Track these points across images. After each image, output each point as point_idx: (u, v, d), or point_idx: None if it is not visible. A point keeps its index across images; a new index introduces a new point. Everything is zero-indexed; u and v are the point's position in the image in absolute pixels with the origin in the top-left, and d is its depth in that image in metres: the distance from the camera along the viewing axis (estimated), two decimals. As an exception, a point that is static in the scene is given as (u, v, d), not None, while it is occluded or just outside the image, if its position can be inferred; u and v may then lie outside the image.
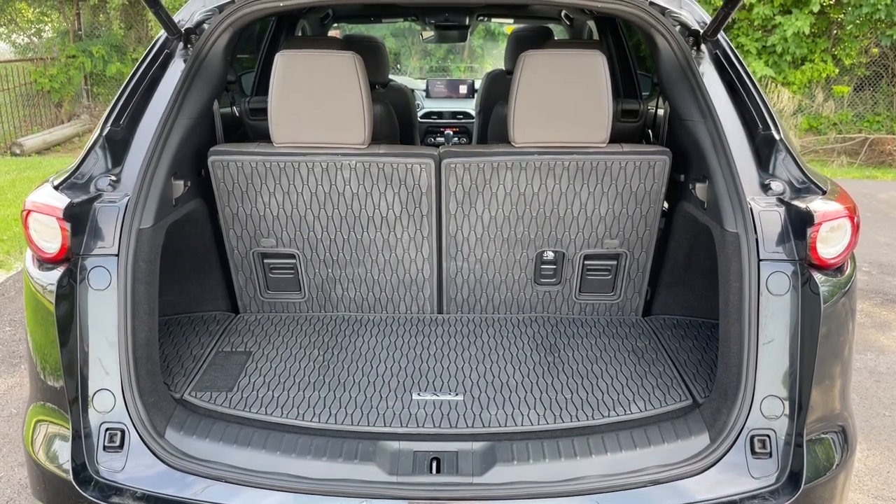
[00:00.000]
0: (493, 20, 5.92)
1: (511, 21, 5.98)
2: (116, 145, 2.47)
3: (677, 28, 2.72)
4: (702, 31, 2.73)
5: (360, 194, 2.74)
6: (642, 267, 2.92)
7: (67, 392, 2.19)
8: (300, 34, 4.96)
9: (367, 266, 2.92)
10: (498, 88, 4.71)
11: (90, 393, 2.21)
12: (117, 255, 2.23)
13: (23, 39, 16.25)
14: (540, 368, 2.57)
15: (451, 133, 6.18)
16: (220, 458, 2.17)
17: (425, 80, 6.55)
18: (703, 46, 2.75)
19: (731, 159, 2.33)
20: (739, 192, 2.26)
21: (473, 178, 2.71)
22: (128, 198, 2.29)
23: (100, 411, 2.20)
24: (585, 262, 2.93)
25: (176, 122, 2.56)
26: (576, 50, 2.65)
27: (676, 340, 2.81)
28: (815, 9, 10.80)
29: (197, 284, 3.02)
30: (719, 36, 2.64)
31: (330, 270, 2.93)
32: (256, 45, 4.74)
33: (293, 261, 2.91)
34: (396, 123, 3.98)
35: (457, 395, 2.41)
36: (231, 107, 3.90)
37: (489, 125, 4.04)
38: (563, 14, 5.25)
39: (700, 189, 2.54)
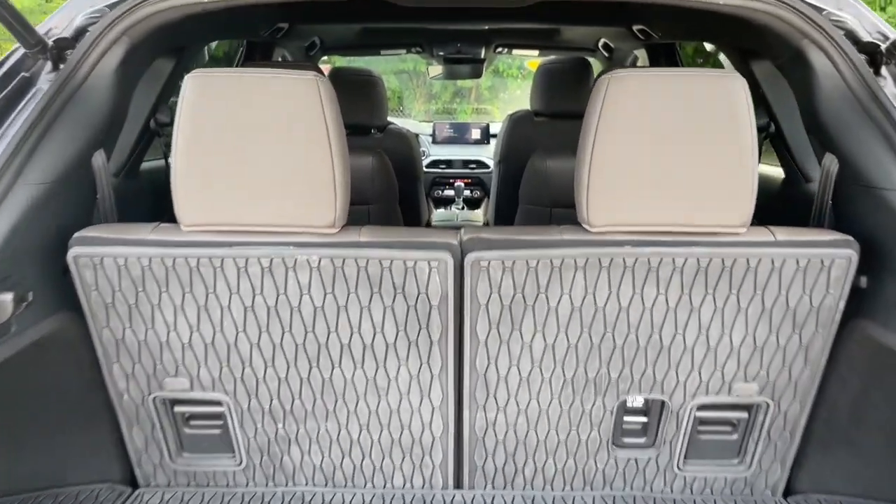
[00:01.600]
0: (516, 52, 4.89)
1: (535, 53, 4.95)
2: None
3: (843, 38, 1.66)
4: (884, 46, 1.66)
5: (326, 309, 1.63)
6: (792, 423, 1.79)
7: None
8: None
9: (339, 420, 1.80)
10: (525, 133, 3.64)
11: None
12: None
13: None
14: None
15: (463, 185, 5.10)
16: None
17: (431, 124, 5.49)
18: (884, 69, 1.69)
19: None
20: None
21: (519, 284, 1.61)
22: None
23: None
24: (698, 416, 1.80)
25: (12, 191, 1.47)
26: (702, 72, 1.57)
27: None
28: None
29: (73, 442, 1.89)
30: None
31: (281, 426, 1.81)
32: None
33: (221, 409, 1.79)
34: (394, 179, 2.89)
35: None
36: (165, 160, 2.83)
37: (519, 182, 2.97)
38: (600, 44, 4.22)
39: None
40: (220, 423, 1.83)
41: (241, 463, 1.86)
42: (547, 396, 1.76)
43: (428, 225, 4.24)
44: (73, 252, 1.54)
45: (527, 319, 1.65)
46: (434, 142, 5.48)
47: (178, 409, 1.80)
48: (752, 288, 1.59)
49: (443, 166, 5.28)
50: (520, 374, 1.73)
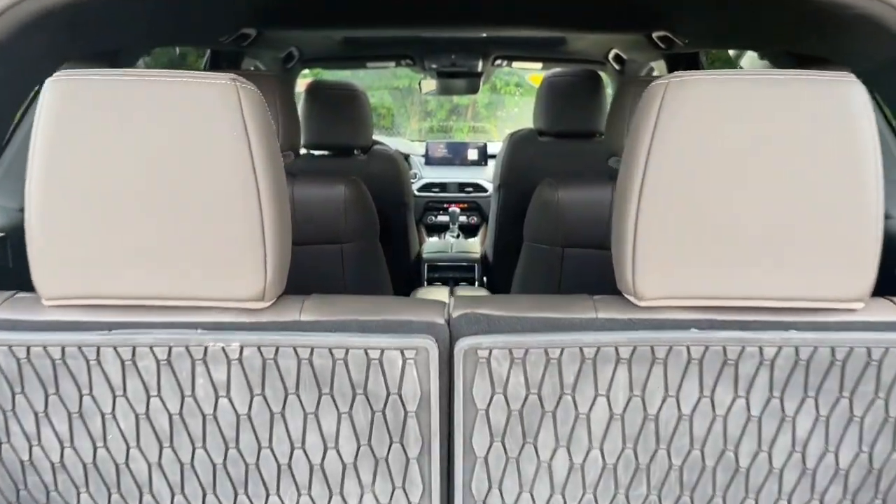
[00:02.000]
0: (516, 64, 4.42)
1: (538, 66, 4.49)
2: None
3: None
4: None
5: (255, 418, 1.13)
6: None
7: None
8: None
9: None
10: (528, 155, 3.17)
11: None
12: None
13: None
14: None
15: (458, 211, 4.61)
16: None
17: (424, 143, 5.02)
18: None
19: None
20: None
21: (534, 382, 1.11)
22: None
23: None
24: None
25: None
26: (809, 75, 1.07)
27: None
28: None
29: None
30: None
31: None
32: None
33: None
34: (373, 210, 2.40)
35: None
36: None
37: (522, 212, 2.49)
38: (610, 55, 3.76)
39: None
40: None
41: None
42: None
43: (418, 258, 3.75)
44: None
45: (545, 430, 1.15)
46: (427, 163, 5.00)
47: None
48: (874, 389, 1.10)
49: (436, 189, 4.79)
50: (534, 502, 1.23)
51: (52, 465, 1.16)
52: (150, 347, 1.06)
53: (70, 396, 1.10)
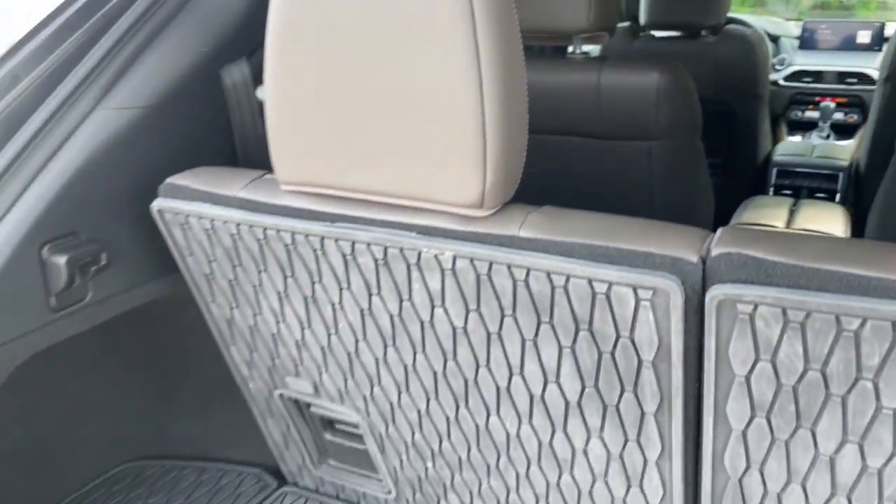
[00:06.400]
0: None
1: None
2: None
3: None
4: None
5: (471, 333, 1.02)
6: None
7: None
8: None
9: (506, 481, 1.21)
10: None
11: None
12: None
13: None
14: None
15: (833, 106, 3.85)
16: None
17: (800, 23, 4.22)
18: None
19: None
20: None
21: (817, 355, 0.81)
22: None
23: None
24: None
25: (88, 120, 1.13)
26: None
27: None
28: None
29: (228, 416, 1.61)
30: None
31: (430, 466, 1.28)
32: None
33: (357, 419, 1.33)
34: (696, 105, 2.04)
35: None
36: None
37: None
38: None
39: None
40: (359, 435, 1.37)
41: (390, 492, 1.40)
42: None
43: (766, 161, 3.24)
44: (155, 205, 1.15)
45: (830, 418, 0.85)
46: (801, 46, 4.21)
47: (314, 409, 1.38)
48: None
49: (808, 79, 4.03)
50: (807, 499, 0.94)
51: (296, 342, 1.21)
52: (368, 245, 1.00)
53: (304, 282, 1.11)
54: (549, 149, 1.82)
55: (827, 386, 0.83)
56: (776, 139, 3.78)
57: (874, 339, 0.77)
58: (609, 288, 0.87)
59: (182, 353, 1.57)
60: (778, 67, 4.05)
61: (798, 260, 0.80)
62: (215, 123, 1.31)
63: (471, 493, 1.27)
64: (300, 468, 1.50)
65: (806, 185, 3.24)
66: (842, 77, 4.00)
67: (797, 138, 3.93)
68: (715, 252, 0.84)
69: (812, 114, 3.95)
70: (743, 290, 0.81)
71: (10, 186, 1.06)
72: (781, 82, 4.01)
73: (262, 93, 1.25)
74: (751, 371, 0.86)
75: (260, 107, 1.36)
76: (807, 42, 4.24)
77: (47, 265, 1.08)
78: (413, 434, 1.23)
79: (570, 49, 1.88)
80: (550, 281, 0.90)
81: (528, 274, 0.91)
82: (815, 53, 4.17)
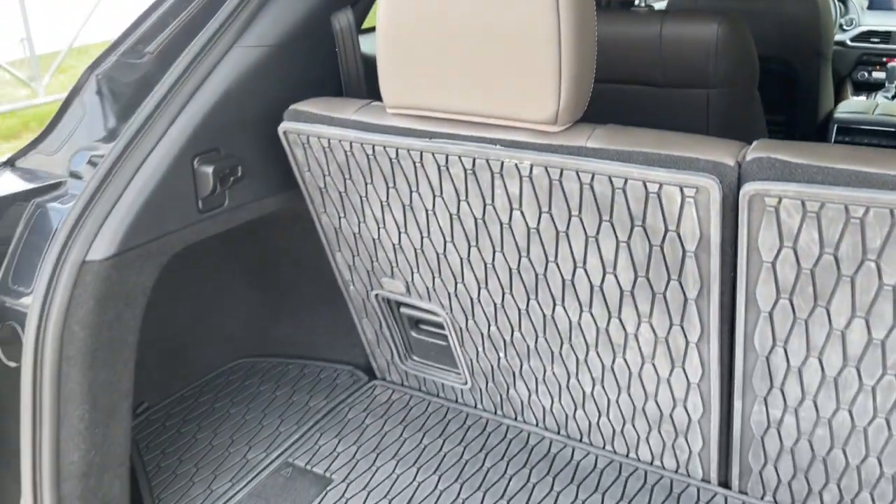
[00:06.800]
0: None
1: None
2: (127, 91, 1.40)
3: None
4: None
5: (543, 232, 1.23)
6: None
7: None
8: None
9: (567, 366, 1.43)
10: None
11: None
12: (31, 309, 1.18)
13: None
14: None
15: None
16: None
17: None
18: None
19: None
20: None
21: (830, 241, 1.00)
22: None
23: None
24: None
25: (228, 55, 1.37)
26: None
27: None
28: None
29: (324, 319, 1.87)
30: None
31: (503, 355, 1.51)
32: None
33: (440, 319, 1.56)
34: (753, 56, 2.18)
35: None
36: None
37: None
38: None
39: None
40: (442, 334, 1.61)
41: (466, 382, 1.63)
42: (867, 411, 1.14)
43: (827, 119, 3.31)
44: (282, 127, 1.39)
45: (840, 295, 1.04)
46: (871, 6, 4.21)
47: (403, 310, 1.62)
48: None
49: (876, 40, 4.04)
50: (823, 370, 1.13)
51: (394, 245, 1.45)
52: (459, 157, 1.21)
53: (403, 192, 1.33)
54: (612, 96, 1.99)
55: (839, 267, 1.01)
56: (840, 100, 3.82)
57: (877, 224, 0.95)
58: (660, 188, 1.07)
59: (287, 266, 1.82)
60: (846, 28, 4.08)
61: (816, 161, 0.98)
62: (326, 62, 1.54)
63: (536, 379, 1.50)
64: (388, 364, 1.75)
65: (866, 141, 3.30)
66: (911, 38, 4.00)
67: (860, 98, 3.96)
68: (749, 157, 1.03)
69: (879, 75, 3.98)
70: (770, 185, 0.99)
71: (168, 110, 1.30)
72: (849, 42, 4.03)
73: (363, 39, 1.48)
74: (776, 257, 1.05)
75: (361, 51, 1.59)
76: (876, 2, 4.23)
77: (197, 174, 1.33)
78: (489, 326, 1.46)
79: (636, 2, 2.04)
80: (611, 184, 1.10)
81: (592, 178, 1.11)
82: (885, 14, 4.16)
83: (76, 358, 1.19)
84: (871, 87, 3.98)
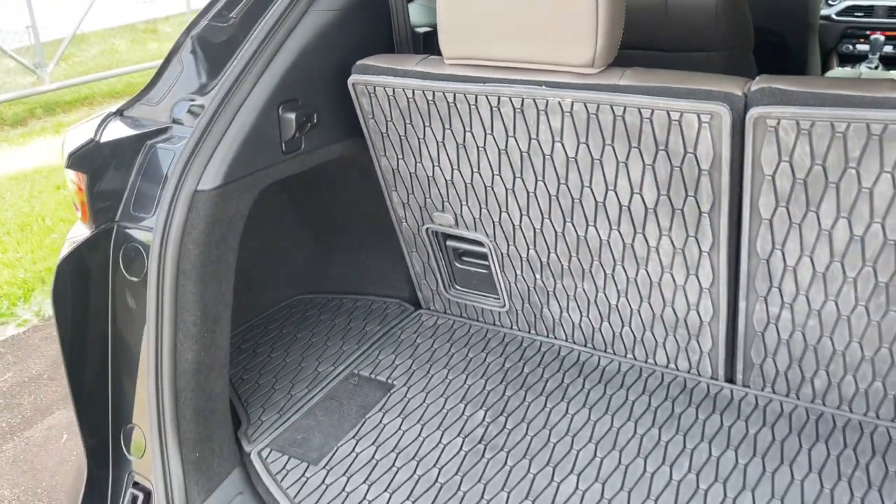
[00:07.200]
0: None
1: None
2: (216, 52, 1.61)
3: None
4: None
5: (580, 160, 1.47)
6: None
7: (82, 422, 1.50)
8: None
9: (596, 282, 1.67)
10: None
11: (120, 428, 1.51)
12: (155, 231, 1.40)
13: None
14: None
15: (883, 39, 4.12)
16: None
17: None
18: None
19: None
20: None
21: (819, 153, 1.24)
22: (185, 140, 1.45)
23: (132, 456, 1.50)
24: None
25: (304, 18, 1.59)
26: None
27: None
28: None
29: (373, 259, 2.11)
30: None
31: (538, 277, 1.75)
32: None
33: (484, 250, 1.80)
34: (749, 23, 2.42)
35: None
36: None
37: None
38: None
39: None
40: (486, 263, 1.85)
41: (504, 305, 1.88)
42: (850, 300, 1.39)
43: None
44: (351, 79, 1.62)
45: (828, 200, 1.28)
46: None
47: (449, 243, 1.86)
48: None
49: (860, 14, 4.30)
50: (814, 267, 1.38)
51: (446, 181, 1.68)
52: (510, 98, 1.45)
53: (458, 131, 1.57)
54: (623, 61, 2.23)
55: (826, 176, 1.26)
56: (826, 70, 4.07)
57: (856, 137, 1.19)
58: (681, 116, 1.31)
59: (340, 211, 2.06)
60: (831, 3, 4.31)
61: (808, 88, 1.22)
62: (381, 26, 1.77)
63: (567, 297, 1.74)
64: (433, 293, 1.99)
65: None
66: (892, 11, 4.26)
67: (846, 68, 4.21)
68: (754, 87, 1.27)
69: (863, 47, 4.23)
70: (771, 109, 1.24)
71: (258, 65, 1.53)
72: (834, 17, 4.28)
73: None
74: (775, 171, 1.30)
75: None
76: (859, -23, 4.45)
77: (282, 120, 1.56)
78: (528, 250, 1.70)
79: None
80: (640, 114, 1.34)
81: (624, 111, 1.35)
82: (868, -12, 4.40)
83: (190, 272, 1.42)
84: (856, 59, 4.23)
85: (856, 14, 4.33)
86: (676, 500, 1.36)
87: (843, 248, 1.33)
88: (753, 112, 1.26)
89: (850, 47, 4.28)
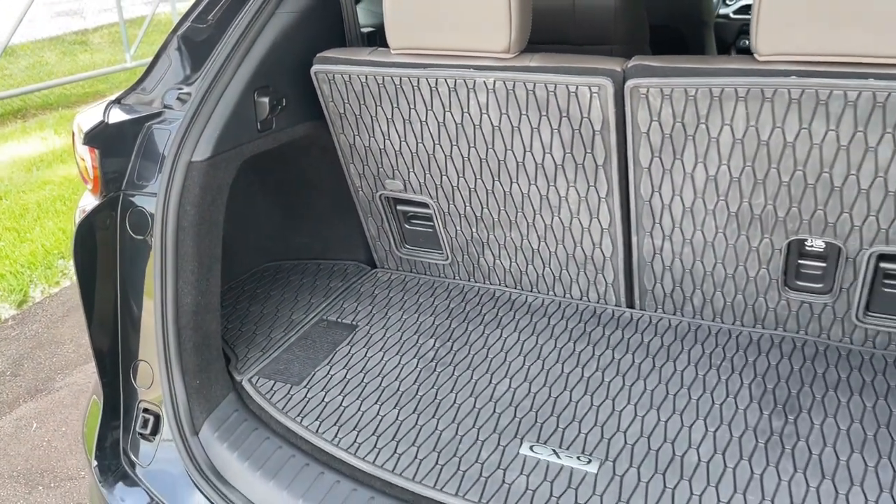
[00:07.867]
0: None
1: None
2: (198, 48, 1.92)
3: None
4: None
5: (503, 128, 1.85)
6: None
7: (98, 359, 1.80)
8: None
9: (521, 230, 2.05)
10: None
11: (129, 363, 1.80)
12: (157, 195, 1.71)
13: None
14: (754, 439, 1.53)
15: None
16: (240, 484, 1.62)
17: None
18: None
19: None
20: None
21: (678, 113, 1.64)
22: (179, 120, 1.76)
23: (139, 386, 1.79)
24: (881, 266, 1.69)
25: (272, 19, 1.91)
26: None
27: None
28: None
29: (333, 228, 2.44)
30: None
31: (474, 230, 2.12)
32: None
33: (429, 211, 2.16)
34: (644, 20, 2.85)
35: (589, 461, 1.51)
36: None
37: None
38: None
39: None
40: (430, 223, 2.21)
41: (447, 259, 2.24)
42: (711, 228, 1.79)
43: None
44: (313, 69, 1.96)
45: (688, 149, 1.69)
46: None
47: (399, 207, 2.21)
48: None
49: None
50: (683, 203, 1.78)
51: (395, 152, 2.04)
52: (445, 80, 1.81)
53: (404, 109, 1.92)
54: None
55: (685, 130, 1.66)
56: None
57: (702, 98, 1.59)
58: (577, 89, 1.69)
59: (304, 186, 2.39)
60: (728, 2, 4.82)
61: (667, 63, 1.62)
62: (335, 25, 2.11)
63: (499, 245, 2.11)
64: (387, 254, 2.34)
65: None
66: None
67: (743, 62, 4.70)
68: (630, 65, 1.66)
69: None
70: (641, 80, 1.63)
71: (236, 57, 1.85)
72: (732, 15, 4.79)
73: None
74: (648, 129, 1.69)
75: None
76: (752, -20, 4.97)
77: (257, 103, 1.88)
78: (465, 207, 2.07)
79: None
80: (546, 89, 1.72)
81: (534, 86, 1.73)
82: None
83: (188, 229, 1.73)
84: (751, 53, 4.74)
85: (750, 13, 4.83)
86: (587, 391, 1.74)
87: (702, 187, 1.73)
88: (630, 83, 1.65)
89: (747, 42, 4.79)
